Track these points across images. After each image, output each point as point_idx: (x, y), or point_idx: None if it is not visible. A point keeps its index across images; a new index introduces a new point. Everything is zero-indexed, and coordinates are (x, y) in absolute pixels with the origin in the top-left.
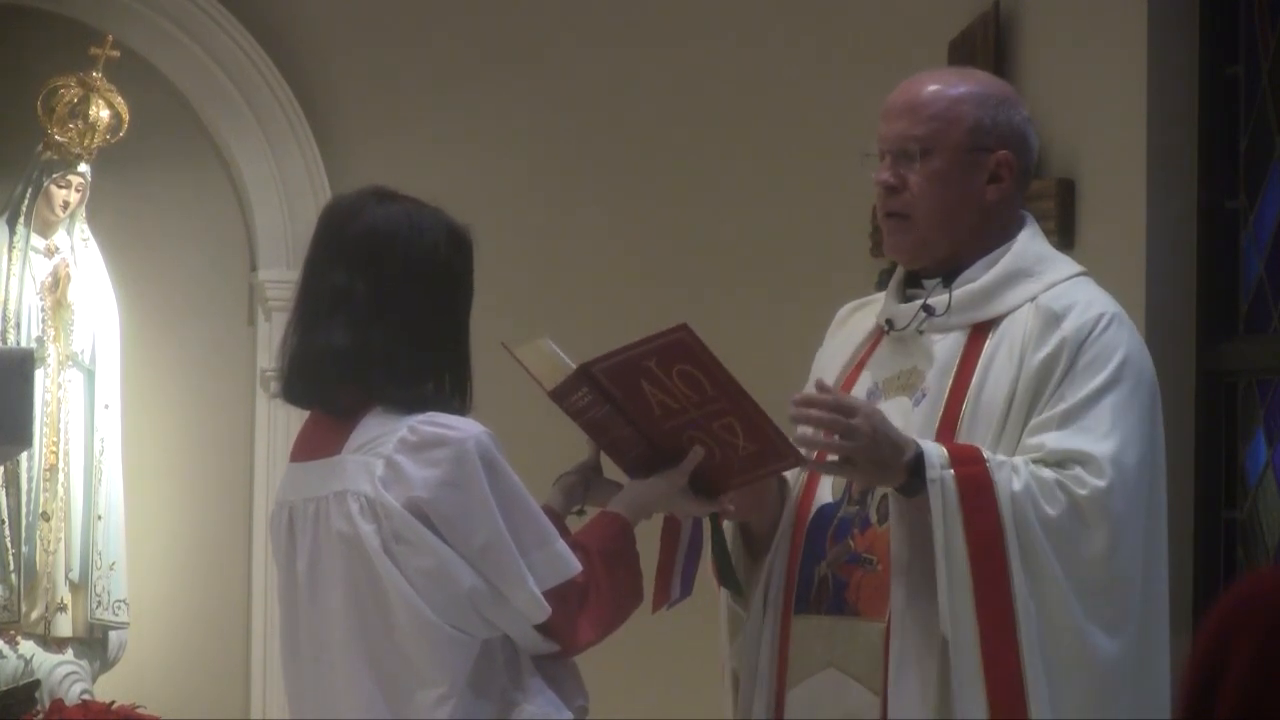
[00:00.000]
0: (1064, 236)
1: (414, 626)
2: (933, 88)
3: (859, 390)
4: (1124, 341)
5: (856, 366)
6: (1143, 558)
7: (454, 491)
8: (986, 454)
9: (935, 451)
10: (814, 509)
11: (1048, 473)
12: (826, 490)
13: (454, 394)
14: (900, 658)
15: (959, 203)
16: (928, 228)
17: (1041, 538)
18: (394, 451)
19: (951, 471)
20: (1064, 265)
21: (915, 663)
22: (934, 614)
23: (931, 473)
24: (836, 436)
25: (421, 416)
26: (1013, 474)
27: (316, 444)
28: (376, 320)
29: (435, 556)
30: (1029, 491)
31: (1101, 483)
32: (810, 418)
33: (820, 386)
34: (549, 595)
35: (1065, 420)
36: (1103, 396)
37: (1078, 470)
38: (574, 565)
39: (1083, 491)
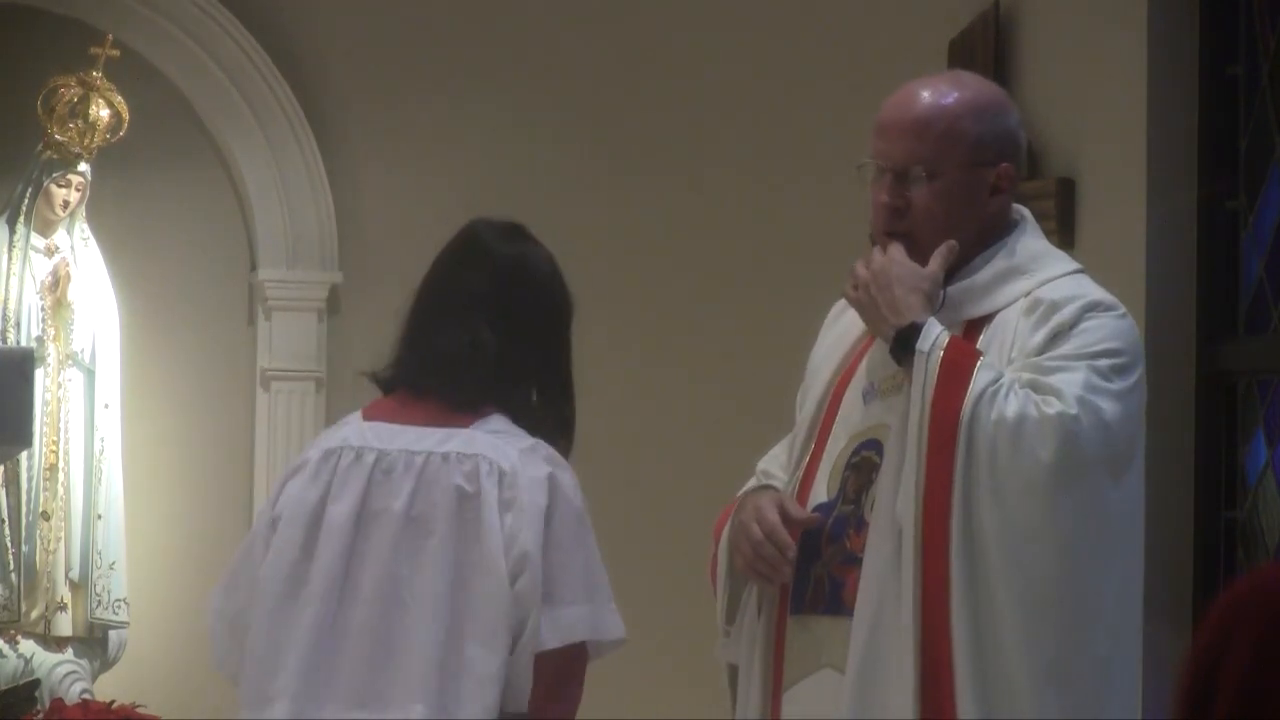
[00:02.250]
0: (1064, 235)
1: (493, 584)
2: (932, 103)
3: (854, 388)
4: (1118, 325)
5: (852, 365)
6: (1107, 525)
7: (573, 505)
8: (984, 358)
9: (936, 332)
10: (809, 510)
11: (1024, 387)
12: (822, 491)
13: (556, 428)
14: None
15: (964, 219)
16: (934, 246)
17: (990, 433)
18: (532, 447)
19: (942, 353)
20: (1059, 262)
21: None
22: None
23: (923, 344)
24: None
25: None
26: (989, 370)
27: (425, 415)
28: (501, 326)
29: (534, 531)
30: (996, 387)
31: (1072, 410)
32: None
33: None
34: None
35: (1049, 368)
36: (1088, 360)
37: (1050, 397)
38: (622, 630)
39: (1050, 410)
